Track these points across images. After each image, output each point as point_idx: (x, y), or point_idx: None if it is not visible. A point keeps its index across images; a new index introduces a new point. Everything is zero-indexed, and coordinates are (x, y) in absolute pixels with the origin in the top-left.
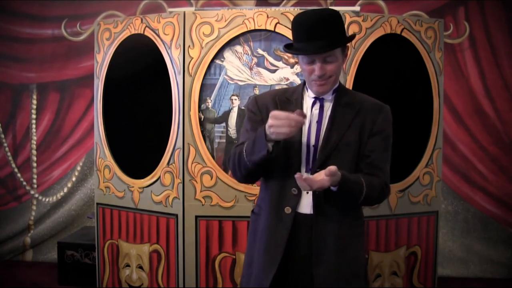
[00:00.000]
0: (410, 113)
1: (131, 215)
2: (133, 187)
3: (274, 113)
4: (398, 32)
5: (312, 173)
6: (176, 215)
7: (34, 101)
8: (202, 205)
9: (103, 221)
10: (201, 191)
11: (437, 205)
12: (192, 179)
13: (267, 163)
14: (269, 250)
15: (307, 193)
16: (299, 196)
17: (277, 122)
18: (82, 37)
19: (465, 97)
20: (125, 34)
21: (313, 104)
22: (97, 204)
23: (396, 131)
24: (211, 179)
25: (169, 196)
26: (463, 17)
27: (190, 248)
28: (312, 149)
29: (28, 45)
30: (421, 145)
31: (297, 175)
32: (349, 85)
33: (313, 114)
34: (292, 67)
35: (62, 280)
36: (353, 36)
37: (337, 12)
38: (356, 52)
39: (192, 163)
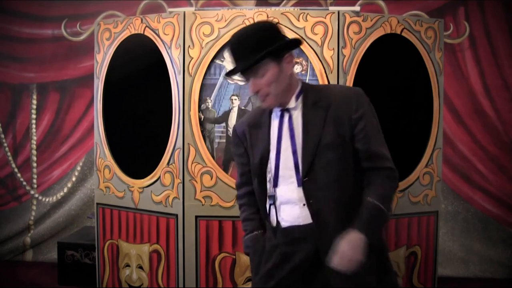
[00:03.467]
0: (410, 113)
1: (131, 215)
2: (133, 187)
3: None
4: (398, 32)
5: (299, 185)
6: (176, 215)
7: (34, 101)
8: (202, 205)
9: (103, 221)
10: (201, 191)
11: (437, 205)
12: (192, 179)
13: None
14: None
15: (304, 205)
16: (276, 212)
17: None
18: (82, 37)
19: (465, 97)
20: (125, 34)
21: (282, 116)
22: (97, 204)
23: (396, 131)
24: (211, 179)
25: (169, 196)
26: (463, 17)
27: (190, 248)
28: (292, 161)
29: (28, 45)
30: (421, 145)
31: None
32: (349, 85)
33: (284, 122)
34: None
35: (62, 280)
36: (284, 44)
37: (265, 25)
38: (356, 52)
39: (192, 163)
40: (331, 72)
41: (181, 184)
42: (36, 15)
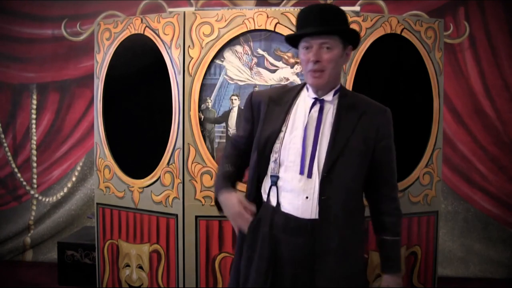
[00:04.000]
0: (410, 113)
1: (131, 215)
2: (133, 187)
3: (235, 210)
4: (398, 32)
5: (309, 176)
6: (176, 215)
7: (34, 101)
8: (202, 205)
9: (103, 221)
10: (201, 191)
11: (437, 205)
12: (192, 179)
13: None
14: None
15: (306, 197)
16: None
17: (227, 212)
18: (82, 37)
19: (465, 97)
20: (125, 34)
21: (313, 105)
22: (97, 204)
23: (396, 131)
24: (211, 179)
25: (169, 196)
26: (463, 17)
27: (190, 248)
28: (309, 152)
29: (28, 45)
30: (421, 145)
31: None
32: (349, 85)
33: (311, 116)
34: (292, 67)
35: (62, 280)
36: (355, 32)
37: (342, 10)
38: (356, 52)
39: (192, 163)
40: None
41: (181, 184)
42: (36, 15)
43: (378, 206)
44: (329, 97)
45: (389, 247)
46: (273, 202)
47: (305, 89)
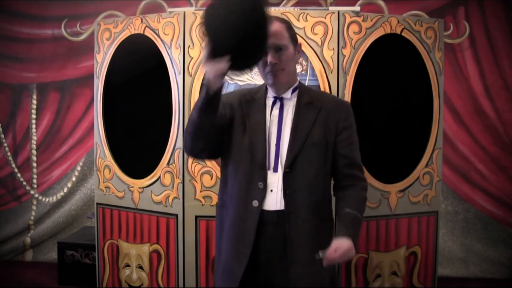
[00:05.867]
0: (410, 113)
1: (131, 215)
2: (133, 187)
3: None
4: (398, 32)
5: (275, 171)
6: (176, 215)
7: (34, 101)
8: (202, 205)
9: (103, 221)
10: (201, 191)
11: (437, 205)
12: (192, 179)
13: (210, 110)
14: (237, 245)
15: (271, 190)
16: (265, 190)
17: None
18: (82, 37)
19: (465, 97)
20: (125, 34)
21: (273, 104)
22: (97, 204)
23: (396, 131)
24: (211, 179)
25: (169, 196)
26: (463, 17)
27: (190, 248)
28: (274, 148)
29: (28, 45)
30: (421, 145)
31: (318, 258)
32: (349, 85)
33: (273, 114)
34: None
35: (62, 280)
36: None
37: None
38: (356, 52)
39: (192, 163)
40: (331, 72)
41: (181, 184)
42: (36, 15)
43: (343, 184)
44: (288, 94)
45: (347, 219)
46: (260, 192)
47: (266, 89)
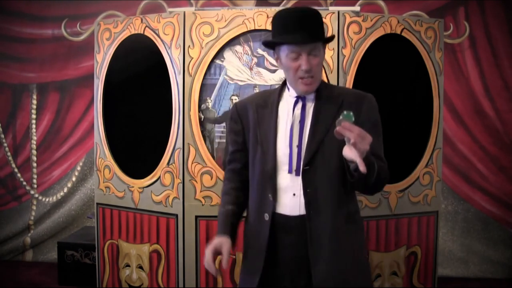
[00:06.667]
0: (410, 113)
1: (131, 215)
2: (133, 187)
3: (206, 258)
4: (398, 32)
5: (297, 174)
6: (176, 215)
7: (34, 101)
8: (202, 205)
9: (103, 221)
10: (201, 191)
11: (437, 205)
12: (192, 179)
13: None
14: (251, 256)
15: (294, 194)
16: (274, 201)
17: (205, 261)
18: (82, 37)
19: (465, 97)
20: (125, 34)
21: (295, 103)
22: (97, 204)
23: (396, 131)
24: (211, 179)
25: (169, 196)
26: (463, 17)
27: (190, 248)
28: (296, 149)
29: (28, 45)
30: (421, 145)
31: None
32: (349, 85)
33: (295, 114)
34: None
35: (62, 280)
36: (332, 37)
37: (318, 11)
38: (356, 52)
39: (192, 163)
40: (331, 72)
41: (181, 184)
42: (36, 15)
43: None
44: (310, 94)
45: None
46: (269, 213)
47: (285, 89)
